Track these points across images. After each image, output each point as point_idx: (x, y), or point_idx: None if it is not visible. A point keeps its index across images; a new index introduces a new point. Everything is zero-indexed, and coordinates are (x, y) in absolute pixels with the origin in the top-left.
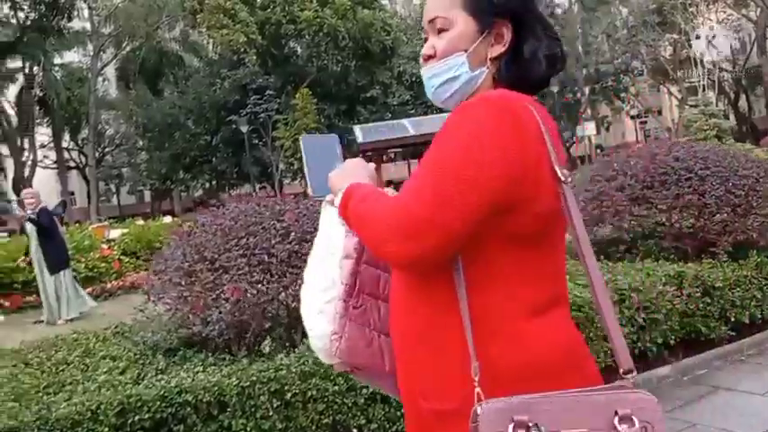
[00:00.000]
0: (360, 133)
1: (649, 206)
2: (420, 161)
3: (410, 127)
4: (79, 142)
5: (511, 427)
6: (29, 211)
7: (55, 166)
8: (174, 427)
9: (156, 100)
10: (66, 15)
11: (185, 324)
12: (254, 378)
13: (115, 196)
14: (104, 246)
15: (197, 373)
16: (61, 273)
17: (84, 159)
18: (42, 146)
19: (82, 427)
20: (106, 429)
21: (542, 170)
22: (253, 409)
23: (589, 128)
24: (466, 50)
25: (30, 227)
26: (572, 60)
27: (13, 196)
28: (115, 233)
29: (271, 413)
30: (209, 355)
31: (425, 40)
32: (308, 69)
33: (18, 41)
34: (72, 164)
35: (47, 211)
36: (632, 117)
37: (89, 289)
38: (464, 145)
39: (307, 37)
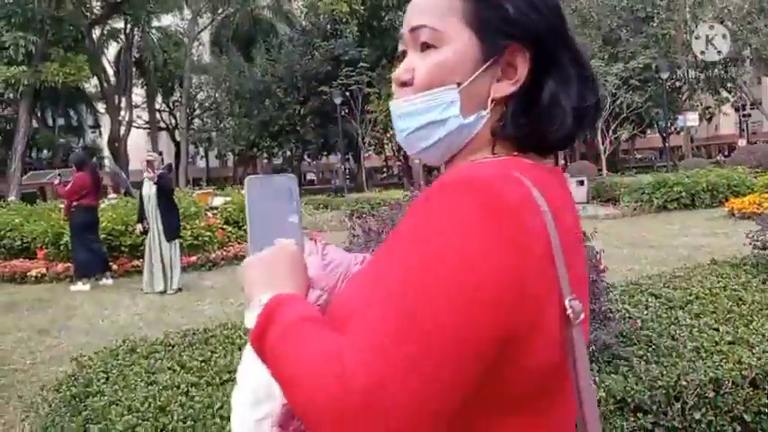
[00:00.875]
0: None
1: None
2: (367, 273)
3: None
4: (170, 104)
5: None
6: (148, 174)
7: (147, 126)
8: None
9: (249, 67)
10: None
11: None
12: None
13: (202, 159)
14: (209, 214)
15: None
16: (177, 241)
17: (173, 121)
18: (135, 106)
19: None
20: None
21: (544, 308)
22: None
23: (691, 118)
24: (459, 83)
25: (147, 190)
26: (678, 46)
27: (107, 153)
28: (218, 201)
29: None
30: None
31: (400, 55)
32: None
33: (124, 1)
34: (162, 125)
35: (167, 175)
36: (736, 109)
37: (193, 257)
38: (438, 264)
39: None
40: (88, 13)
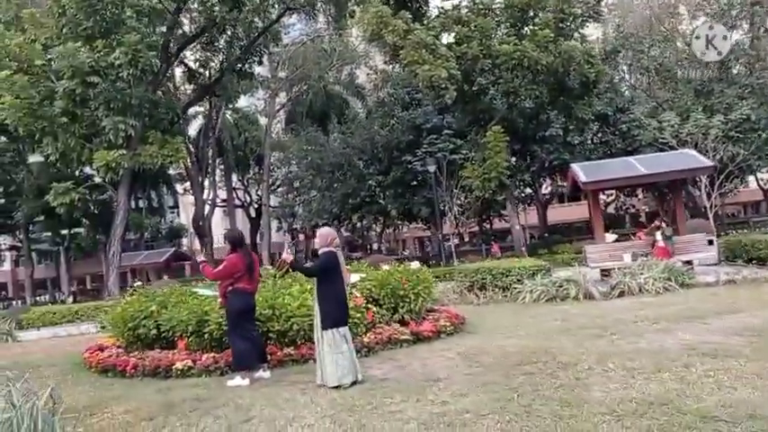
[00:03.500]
0: (581, 172)
1: None
2: None
3: (639, 165)
4: (245, 182)
5: None
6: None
7: (223, 204)
8: None
9: (327, 140)
10: (258, 59)
11: None
12: None
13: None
14: (355, 292)
15: None
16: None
17: (248, 198)
18: (207, 187)
19: None
20: None
21: None
22: None
23: None
24: None
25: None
26: None
27: (191, 229)
28: (355, 278)
29: None
30: None
31: None
32: (497, 106)
33: (215, 83)
34: (237, 202)
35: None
36: None
37: None
38: None
39: (504, 72)
40: (182, 96)
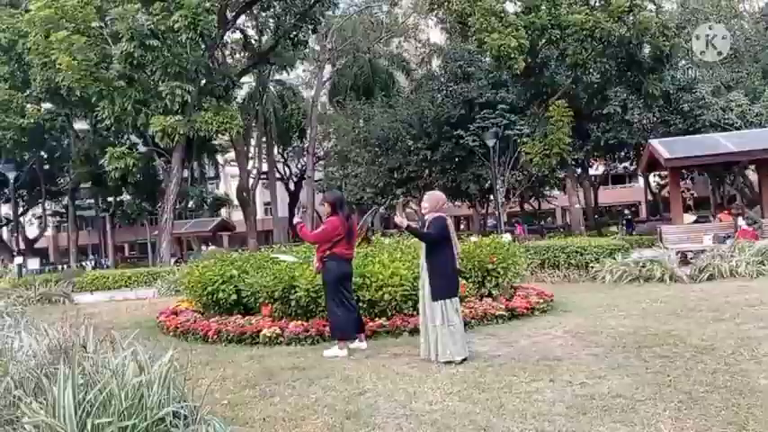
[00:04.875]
0: (663, 148)
1: None
2: None
3: (727, 142)
4: (285, 155)
5: None
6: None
7: (265, 177)
8: None
9: (382, 113)
10: (313, 27)
11: None
12: None
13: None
14: None
15: None
16: (445, 301)
17: (287, 171)
18: (251, 158)
19: None
20: None
21: None
22: None
23: None
24: None
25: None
26: None
27: (236, 202)
28: None
29: None
30: None
31: None
32: (559, 81)
33: (270, 50)
34: (277, 175)
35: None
36: None
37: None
38: None
39: (573, 44)
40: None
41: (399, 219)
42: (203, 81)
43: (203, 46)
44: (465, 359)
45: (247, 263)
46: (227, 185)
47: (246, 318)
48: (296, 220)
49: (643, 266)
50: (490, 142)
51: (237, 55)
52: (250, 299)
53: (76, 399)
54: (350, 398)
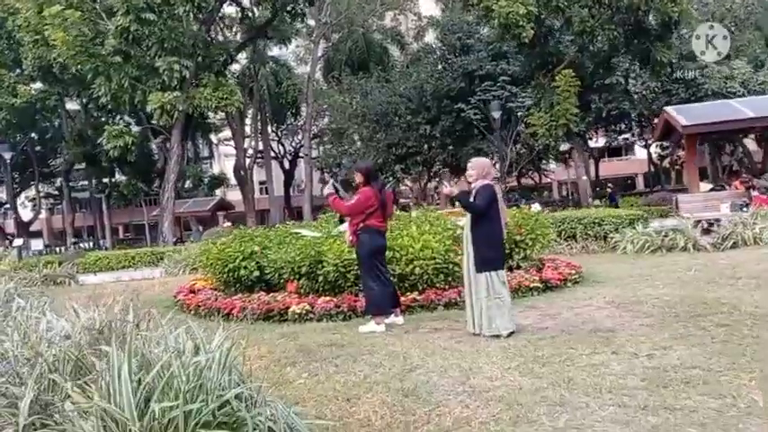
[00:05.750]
0: (679, 115)
1: None
2: None
3: (745, 108)
4: (279, 132)
5: None
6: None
7: (260, 156)
8: None
9: (379, 87)
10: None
11: None
12: None
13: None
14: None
15: None
16: (490, 273)
17: (281, 149)
18: (247, 136)
19: None
20: None
21: None
22: None
23: None
24: None
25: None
26: None
27: (233, 181)
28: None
29: None
30: None
31: None
32: (564, 50)
33: (267, 23)
34: (272, 153)
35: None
36: None
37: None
38: None
39: (580, 10)
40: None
41: (448, 189)
42: (201, 56)
43: (201, 17)
44: (512, 333)
45: (267, 238)
46: (222, 165)
47: (271, 294)
48: (327, 190)
49: (665, 236)
50: (496, 114)
51: (234, 28)
52: (273, 275)
53: (133, 382)
54: (401, 374)
